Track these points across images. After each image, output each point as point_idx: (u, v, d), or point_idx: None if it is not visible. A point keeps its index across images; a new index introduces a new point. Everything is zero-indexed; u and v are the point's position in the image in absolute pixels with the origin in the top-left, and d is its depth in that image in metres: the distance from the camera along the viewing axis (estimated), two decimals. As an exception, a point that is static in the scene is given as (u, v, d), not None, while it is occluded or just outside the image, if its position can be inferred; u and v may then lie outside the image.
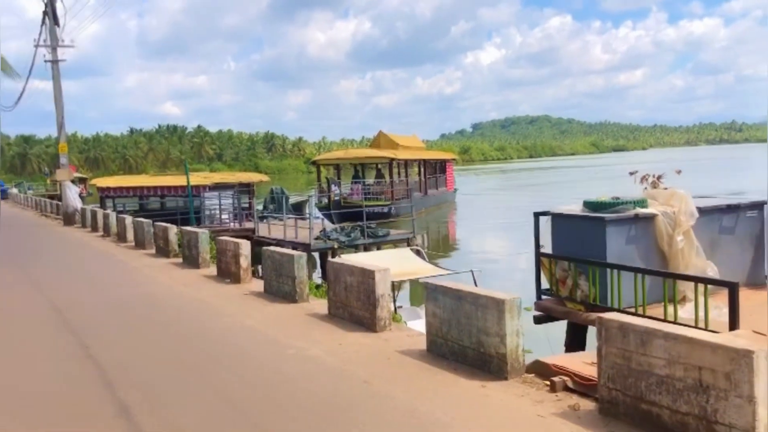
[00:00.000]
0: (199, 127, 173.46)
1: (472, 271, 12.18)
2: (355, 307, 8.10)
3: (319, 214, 28.54)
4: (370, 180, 43.52)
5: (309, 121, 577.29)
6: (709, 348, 4.31)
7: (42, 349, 7.74)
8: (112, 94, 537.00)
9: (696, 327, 7.72)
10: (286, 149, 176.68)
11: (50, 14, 23.85)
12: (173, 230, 14.97)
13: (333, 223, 32.06)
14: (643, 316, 8.44)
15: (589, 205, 9.67)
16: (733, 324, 7.39)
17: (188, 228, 14.10)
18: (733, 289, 7.37)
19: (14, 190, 52.74)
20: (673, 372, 4.51)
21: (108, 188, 29.62)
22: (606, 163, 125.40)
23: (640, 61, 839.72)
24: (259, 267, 12.97)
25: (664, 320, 8.13)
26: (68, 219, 26.04)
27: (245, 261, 11.41)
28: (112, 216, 20.86)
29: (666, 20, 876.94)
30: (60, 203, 29.46)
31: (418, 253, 14.28)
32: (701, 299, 7.91)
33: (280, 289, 9.94)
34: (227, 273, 11.83)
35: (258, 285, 10.82)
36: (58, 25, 24.02)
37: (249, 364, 6.69)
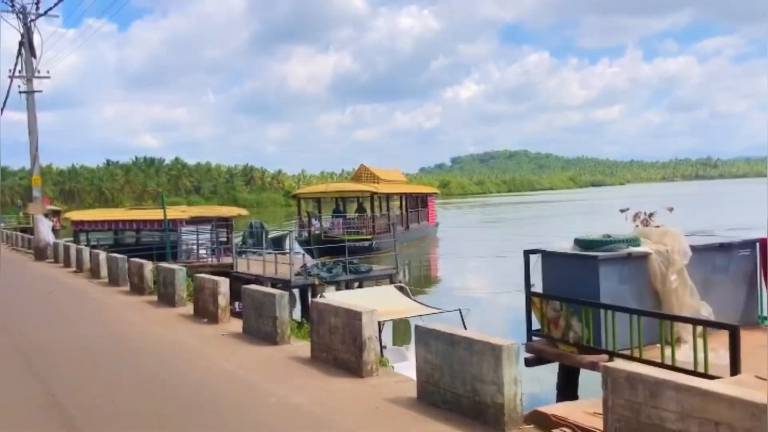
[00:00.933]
0: (176, 159, 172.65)
1: (460, 310, 11.81)
2: (339, 350, 7.71)
3: (300, 248, 28.13)
4: (352, 214, 43.22)
5: (289, 154, 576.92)
6: (726, 402, 4.00)
7: (3, 396, 7.22)
8: (89, 126, 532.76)
9: (695, 371, 7.44)
10: (265, 182, 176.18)
11: (26, 45, 23.48)
12: (148, 266, 14.48)
13: (313, 257, 31.67)
14: (640, 359, 8.15)
15: (580, 243, 9.41)
16: (735, 368, 7.10)
17: (164, 264, 13.64)
18: (734, 333, 7.09)
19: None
20: (687, 427, 4.19)
21: (82, 222, 29.03)
22: (585, 197, 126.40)
23: (616, 97, 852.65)
24: (237, 304, 12.52)
25: (662, 364, 7.83)
26: (40, 253, 25.36)
27: (223, 300, 10.98)
28: (85, 251, 20.28)
29: (641, 58, 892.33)
30: (32, 237, 28.74)
31: (402, 290, 13.91)
32: (699, 341, 7.63)
33: (260, 329, 9.52)
34: (205, 312, 11.38)
35: (237, 325, 10.37)
36: (35, 57, 23.63)
37: (229, 414, 6.26)
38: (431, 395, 6.29)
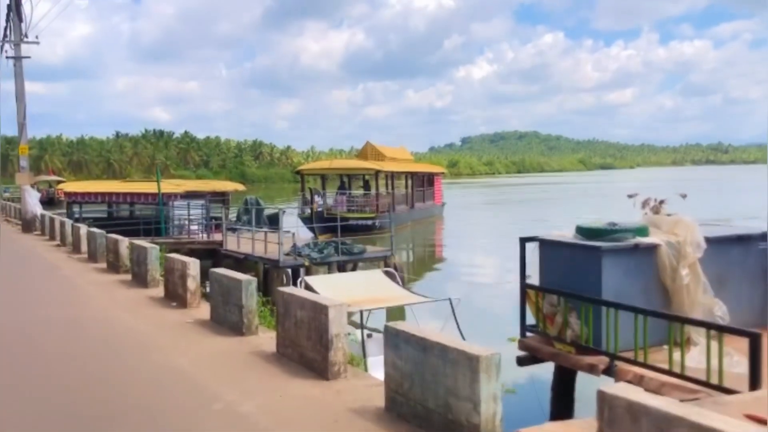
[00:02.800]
0: (186, 133, 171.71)
1: (450, 299, 10.90)
2: (305, 347, 6.83)
3: (291, 227, 27.24)
4: (356, 191, 42.34)
5: (299, 130, 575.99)
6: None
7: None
8: (100, 97, 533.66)
9: (708, 382, 6.54)
10: (274, 158, 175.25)
11: (13, 7, 22.49)
12: (124, 243, 13.60)
13: (315, 234, 30.80)
14: (644, 364, 7.25)
15: (582, 231, 8.45)
16: (755, 381, 6.17)
17: (138, 241, 12.77)
18: (755, 341, 6.15)
19: (-14, 194, 50.92)
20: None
21: (75, 193, 28.22)
22: (594, 180, 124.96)
23: (629, 80, 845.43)
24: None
25: (670, 372, 6.92)
26: (27, 225, 24.56)
27: (193, 283, 10.11)
28: (68, 224, 19.43)
29: (657, 41, 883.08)
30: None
31: (391, 275, 13.01)
32: (713, 346, 6.71)
33: (227, 318, 8.66)
34: (174, 295, 10.53)
35: (206, 311, 9.51)
36: (21, 20, 22.64)
37: (163, 424, 5.40)
38: (400, 407, 5.42)
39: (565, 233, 8.74)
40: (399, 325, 5.64)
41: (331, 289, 11.28)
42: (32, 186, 26.35)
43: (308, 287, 11.69)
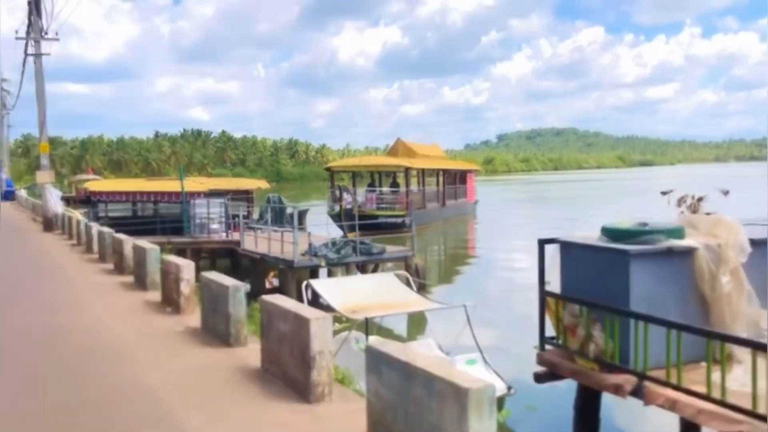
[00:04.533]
0: (223, 132, 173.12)
1: (464, 305, 10.03)
2: (288, 364, 6.05)
3: (319, 225, 26.56)
4: (386, 189, 41.59)
5: (335, 128, 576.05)
6: None
7: None
8: (141, 98, 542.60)
9: (754, 411, 5.59)
10: (309, 156, 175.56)
11: (33, 3, 22.15)
12: (129, 244, 13.00)
13: (344, 232, 30.09)
14: (678, 387, 6.31)
15: (608, 232, 7.50)
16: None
17: (139, 242, 12.13)
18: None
19: (23, 192, 51.22)
20: None
21: (100, 192, 27.96)
22: (634, 177, 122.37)
23: (671, 75, 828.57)
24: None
25: (708, 397, 5.98)
26: (48, 224, 24.26)
27: (187, 287, 9.42)
28: (82, 224, 18.99)
29: (700, 34, 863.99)
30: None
31: (404, 279, 12.16)
32: (761, 365, 5.76)
33: (216, 327, 7.93)
34: (170, 300, 9.85)
35: (200, 318, 8.78)
36: (40, 17, 22.29)
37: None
38: (383, 441, 4.61)
39: (589, 234, 7.81)
40: (383, 345, 4.83)
41: (337, 294, 10.54)
42: (53, 184, 26.04)
43: (314, 292, 10.98)
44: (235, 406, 5.64)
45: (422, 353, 7.24)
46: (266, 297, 6.56)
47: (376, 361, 4.71)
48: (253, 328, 8.04)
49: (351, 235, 25.57)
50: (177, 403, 5.73)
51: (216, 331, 7.90)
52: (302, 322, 5.73)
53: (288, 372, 6.06)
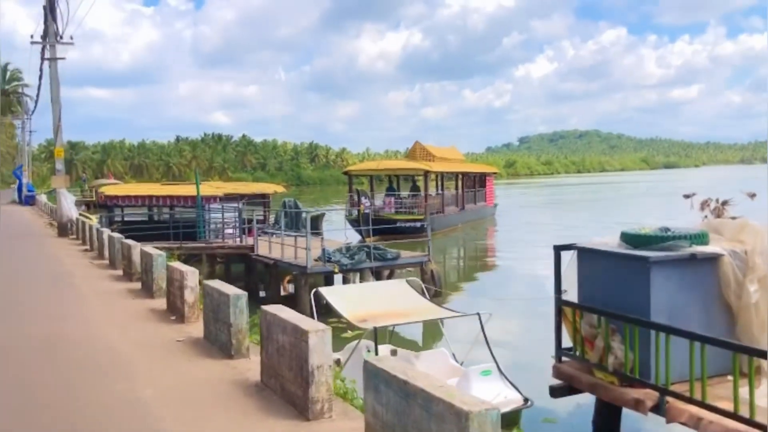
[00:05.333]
0: (243, 136, 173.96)
1: (479, 314, 9.66)
2: (287, 378, 5.74)
3: (337, 229, 26.27)
4: (405, 193, 41.25)
5: (355, 132, 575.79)
6: None
7: None
8: (163, 102, 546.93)
9: (785, 432, 5.19)
10: (329, 160, 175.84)
11: (48, 8, 22.14)
12: (136, 250, 12.78)
13: (362, 237, 29.79)
14: (702, 403, 5.91)
15: (628, 238, 7.13)
16: None
17: (147, 248, 11.90)
18: None
19: (43, 197, 51.50)
20: None
21: (116, 197, 27.86)
22: (658, 179, 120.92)
23: (695, 76, 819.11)
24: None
25: (734, 415, 5.58)
26: (63, 230, 24.18)
27: (191, 295, 9.13)
28: (94, 229, 18.85)
29: (724, 35, 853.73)
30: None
31: (417, 286, 11.82)
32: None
33: (218, 337, 7.65)
34: (174, 308, 9.59)
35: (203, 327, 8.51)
36: (55, 21, 22.24)
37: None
38: (381, 466, 4.28)
39: (608, 240, 7.43)
40: (381, 361, 4.50)
41: (347, 301, 10.22)
42: (68, 189, 26.00)
43: (322, 299, 10.68)
44: (230, 424, 5.33)
45: (426, 369, 6.91)
46: (267, 306, 6.25)
47: (373, 377, 4.39)
48: (257, 339, 7.73)
49: (370, 240, 25.30)
50: (168, 421, 5.43)
51: (218, 341, 7.62)
52: (301, 334, 5.41)
53: (286, 386, 5.75)
